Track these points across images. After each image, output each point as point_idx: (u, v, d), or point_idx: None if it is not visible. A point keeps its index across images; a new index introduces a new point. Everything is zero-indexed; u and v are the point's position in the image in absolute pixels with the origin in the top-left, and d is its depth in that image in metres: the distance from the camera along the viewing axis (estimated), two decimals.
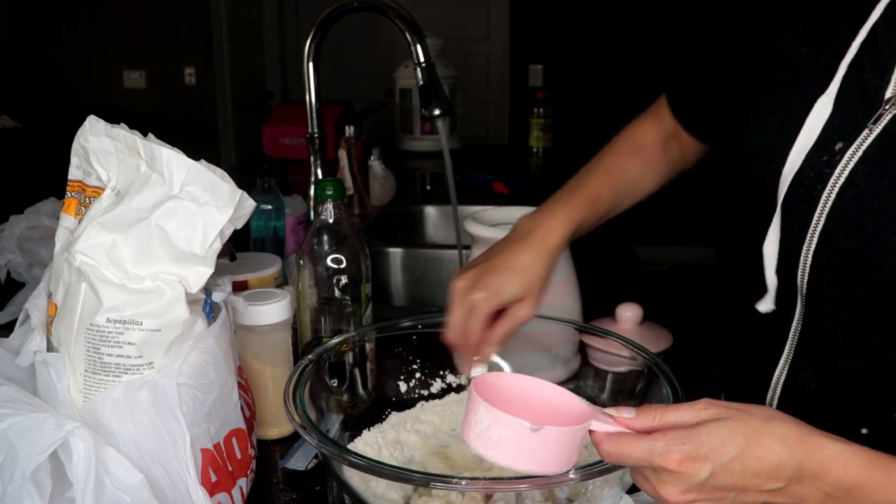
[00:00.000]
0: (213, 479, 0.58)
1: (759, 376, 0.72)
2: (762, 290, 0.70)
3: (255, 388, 0.73)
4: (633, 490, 0.59)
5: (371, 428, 0.73)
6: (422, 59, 1.14)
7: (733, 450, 0.49)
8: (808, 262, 0.66)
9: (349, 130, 1.71)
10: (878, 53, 0.63)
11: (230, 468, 0.61)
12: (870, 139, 0.62)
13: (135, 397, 0.55)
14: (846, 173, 0.63)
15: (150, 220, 0.56)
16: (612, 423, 0.51)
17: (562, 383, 0.72)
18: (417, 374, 0.78)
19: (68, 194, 0.62)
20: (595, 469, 0.53)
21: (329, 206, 0.85)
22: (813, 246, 0.65)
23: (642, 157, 0.87)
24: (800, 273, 0.66)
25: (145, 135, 0.60)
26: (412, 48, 1.13)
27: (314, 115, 1.26)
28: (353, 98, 2.55)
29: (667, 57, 4.12)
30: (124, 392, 0.55)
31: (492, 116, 4.50)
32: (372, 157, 1.82)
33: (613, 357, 0.72)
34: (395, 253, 1.48)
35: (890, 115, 0.61)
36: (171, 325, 0.56)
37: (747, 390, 0.75)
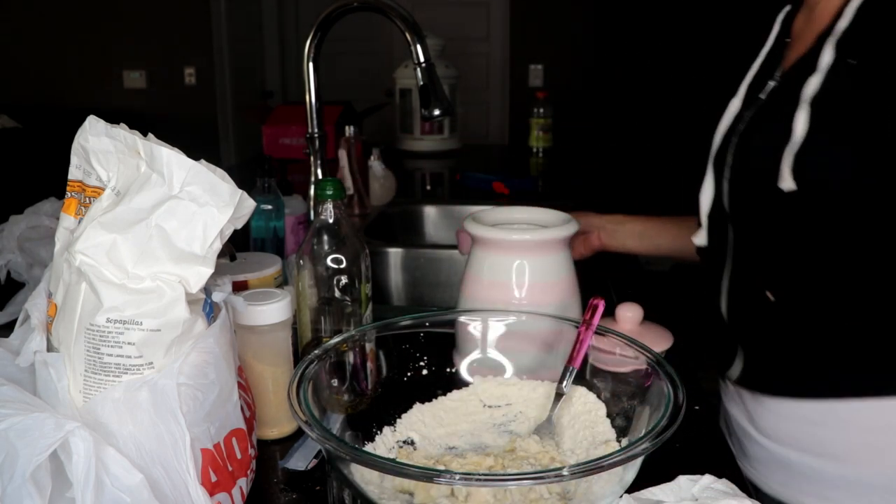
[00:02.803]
0: (213, 479, 0.58)
1: (714, 294, 0.96)
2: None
3: (255, 388, 0.73)
4: (632, 489, 0.59)
5: (378, 428, 0.73)
6: (422, 59, 1.14)
7: None
8: (726, 188, 0.91)
9: (349, 130, 1.71)
10: (770, 61, 0.92)
11: (230, 468, 0.61)
12: (761, 102, 0.89)
13: (135, 397, 0.55)
14: (744, 125, 0.89)
15: (150, 220, 0.56)
16: None
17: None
18: (424, 372, 0.78)
19: (68, 194, 0.62)
20: (591, 466, 0.53)
21: (329, 206, 0.85)
22: (727, 175, 0.91)
23: None
24: (725, 201, 0.92)
25: (145, 135, 0.60)
26: (412, 48, 1.13)
27: (314, 115, 1.26)
28: (353, 98, 2.56)
29: (666, 57, 4.12)
30: (124, 392, 0.55)
31: (492, 116, 4.50)
32: (372, 157, 1.82)
33: (614, 356, 0.72)
34: (395, 253, 1.48)
35: (774, 85, 0.88)
36: (171, 325, 0.56)
37: (710, 306, 0.98)
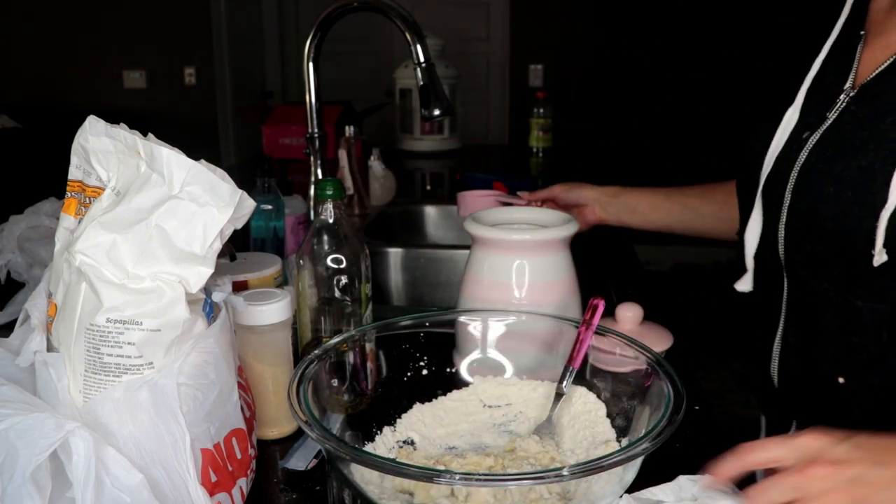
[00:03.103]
0: (213, 479, 0.58)
1: (762, 352, 0.80)
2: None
3: (255, 388, 0.73)
4: (632, 489, 0.59)
5: (378, 428, 0.73)
6: (422, 59, 1.14)
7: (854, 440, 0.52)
8: (782, 234, 0.74)
9: (349, 130, 1.71)
10: (838, 61, 0.74)
11: (230, 468, 0.61)
12: (827, 124, 0.72)
13: (135, 397, 0.55)
14: (806, 154, 0.72)
15: (150, 220, 0.56)
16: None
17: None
18: (424, 372, 0.78)
19: (68, 194, 0.62)
20: (591, 466, 0.53)
21: (329, 206, 0.85)
22: (784, 219, 0.74)
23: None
24: (780, 248, 0.75)
25: (145, 135, 0.60)
26: (412, 48, 1.13)
27: (314, 115, 1.26)
28: (353, 98, 2.55)
29: (666, 57, 4.12)
30: (124, 392, 0.55)
31: (492, 116, 4.50)
32: (372, 157, 1.82)
33: (614, 356, 0.72)
34: (395, 253, 1.48)
35: (846, 101, 0.71)
36: (171, 325, 0.56)
37: (755, 367, 0.83)
